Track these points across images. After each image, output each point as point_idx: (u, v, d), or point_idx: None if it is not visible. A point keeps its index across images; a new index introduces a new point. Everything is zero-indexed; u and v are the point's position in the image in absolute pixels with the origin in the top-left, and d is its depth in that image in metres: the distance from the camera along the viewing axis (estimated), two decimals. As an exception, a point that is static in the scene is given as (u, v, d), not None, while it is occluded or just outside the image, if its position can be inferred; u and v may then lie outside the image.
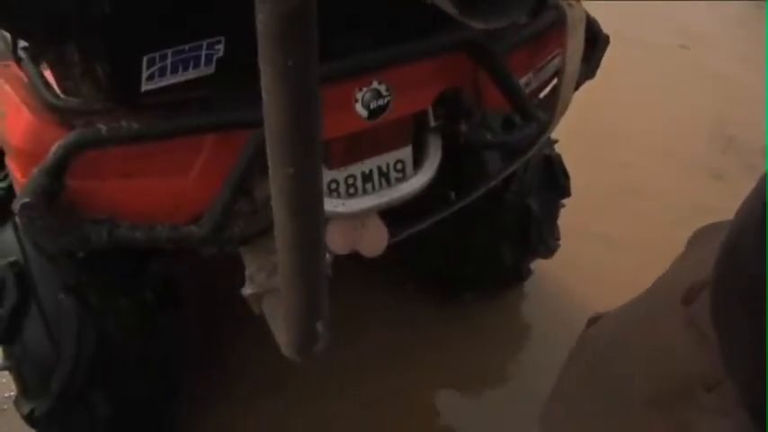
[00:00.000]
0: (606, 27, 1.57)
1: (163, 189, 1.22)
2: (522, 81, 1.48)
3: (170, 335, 1.57)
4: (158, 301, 1.52)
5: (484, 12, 0.64)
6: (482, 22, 0.67)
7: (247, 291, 1.29)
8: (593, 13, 1.53)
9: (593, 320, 0.69)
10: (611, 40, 1.58)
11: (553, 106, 1.46)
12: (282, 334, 0.84)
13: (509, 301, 2.22)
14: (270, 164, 0.71)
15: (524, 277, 2.13)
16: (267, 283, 1.26)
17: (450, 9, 0.63)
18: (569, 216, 2.07)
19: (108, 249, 1.22)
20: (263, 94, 0.67)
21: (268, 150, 0.70)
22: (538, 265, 2.14)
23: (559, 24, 1.42)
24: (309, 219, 0.72)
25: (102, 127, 1.11)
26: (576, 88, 1.52)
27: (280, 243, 0.75)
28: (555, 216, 2.03)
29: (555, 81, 1.52)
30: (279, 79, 0.65)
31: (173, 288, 1.57)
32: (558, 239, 2.06)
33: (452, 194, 1.63)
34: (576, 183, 1.97)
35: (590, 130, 2.87)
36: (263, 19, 0.62)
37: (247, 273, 1.29)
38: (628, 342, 0.64)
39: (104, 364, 1.45)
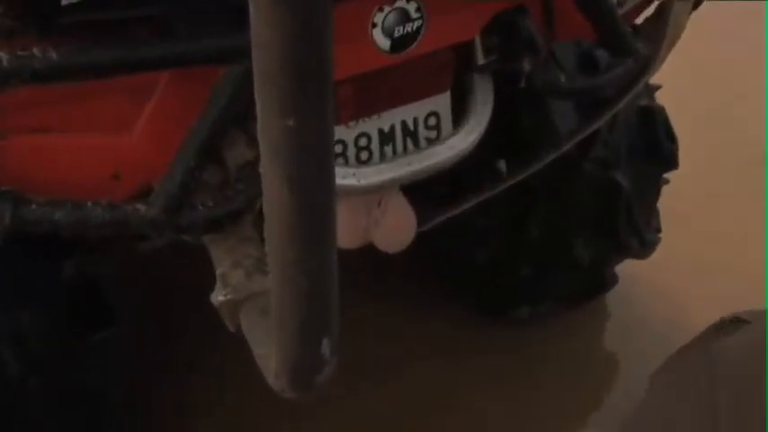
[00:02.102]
0: None
1: (94, 150, 1.23)
2: (613, -1, 1.49)
3: (99, 364, 1.58)
4: (81, 315, 1.54)
5: None
6: None
7: (219, 297, 1.29)
8: None
9: (729, 324, 0.71)
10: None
11: (658, 35, 1.46)
12: (270, 358, 0.85)
13: (581, 322, 2.22)
14: (259, 113, 0.71)
15: (608, 286, 2.14)
16: (246, 285, 1.27)
17: None
18: (673, 200, 2.08)
19: (10, 238, 1.23)
20: (252, 14, 0.68)
21: (257, 93, 0.70)
22: (627, 267, 2.14)
23: None
24: (316, 192, 0.73)
25: (3, 56, 1.12)
26: (696, 6, 1.52)
27: (270, 228, 0.76)
28: (654, 197, 2.03)
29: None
30: (275, -9, 0.65)
31: (101, 296, 1.58)
32: (659, 231, 2.07)
33: (503, 163, 1.63)
34: (685, 150, 1.98)
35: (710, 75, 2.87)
36: None
37: (218, 272, 1.29)
38: None
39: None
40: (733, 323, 0.86)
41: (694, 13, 1.54)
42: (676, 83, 2.12)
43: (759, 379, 0.77)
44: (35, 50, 1.12)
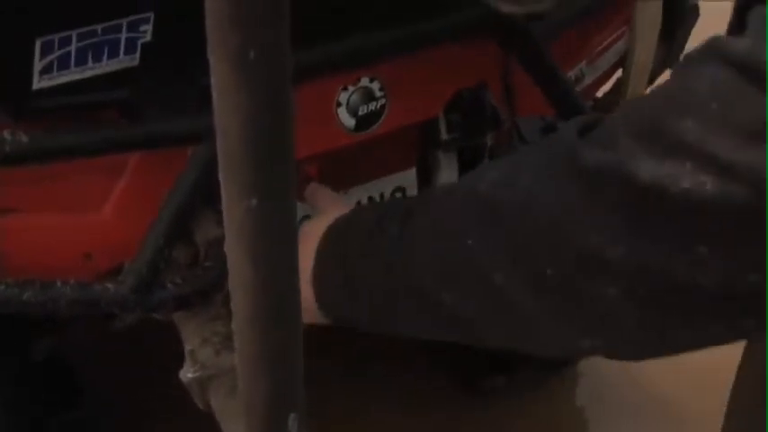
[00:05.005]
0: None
1: (65, 230, 1.24)
2: (572, 74, 1.52)
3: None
4: (51, 394, 1.53)
5: None
6: (512, 3, 0.71)
7: (188, 375, 1.29)
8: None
9: None
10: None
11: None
12: (239, 435, 0.85)
13: (558, 387, 2.23)
14: (223, 193, 0.72)
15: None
16: (215, 362, 1.27)
17: None
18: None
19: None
20: (214, 98, 0.69)
21: (221, 174, 0.72)
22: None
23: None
24: (279, 269, 0.74)
25: None
26: (651, 82, 1.56)
27: (237, 305, 0.77)
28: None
29: (619, 73, 1.55)
30: (236, 78, 0.67)
31: (71, 375, 1.58)
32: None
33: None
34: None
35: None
36: (214, -7, 0.65)
37: (187, 349, 1.30)
38: None
39: None
40: None
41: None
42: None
43: None
44: (5, 134, 1.14)
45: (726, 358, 1.02)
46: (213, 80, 0.68)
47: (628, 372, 2.25)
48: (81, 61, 1.13)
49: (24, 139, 1.14)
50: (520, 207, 0.76)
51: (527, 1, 0.71)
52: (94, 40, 1.12)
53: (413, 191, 1.45)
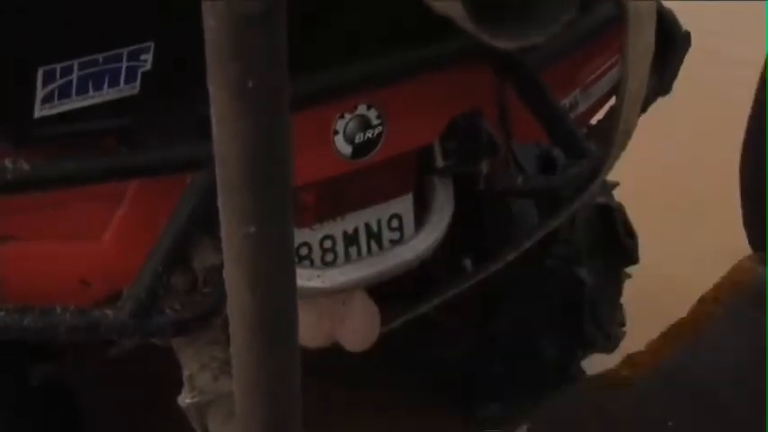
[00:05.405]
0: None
1: (64, 257, 1.24)
2: (566, 102, 1.53)
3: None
4: (50, 420, 1.53)
5: (510, 24, 0.68)
6: (506, 39, 0.71)
7: (186, 400, 1.29)
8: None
9: None
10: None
11: (610, 136, 1.50)
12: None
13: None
14: (222, 221, 0.73)
15: (574, 380, 2.14)
16: (213, 388, 1.28)
17: (464, 21, 0.67)
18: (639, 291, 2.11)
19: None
20: (214, 126, 0.70)
21: (220, 201, 0.73)
22: (595, 362, 2.15)
23: (618, 22, 1.47)
24: (278, 296, 0.75)
25: None
26: (644, 109, 1.57)
27: (234, 331, 0.78)
28: (617, 292, 2.05)
29: (613, 100, 1.56)
30: (235, 106, 0.68)
31: (70, 400, 1.58)
32: (623, 325, 2.08)
33: (468, 262, 1.66)
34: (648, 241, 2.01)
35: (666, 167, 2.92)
36: (213, 25, 0.66)
37: (186, 374, 1.30)
38: None
39: None
40: None
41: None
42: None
43: None
44: (7, 162, 1.14)
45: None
46: (213, 109, 0.69)
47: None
48: (82, 90, 1.14)
49: (26, 167, 1.15)
50: None
51: (519, 37, 0.72)
52: (96, 69, 1.14)
53: (409, 217, 1.46)
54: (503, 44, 0.71)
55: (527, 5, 0.70)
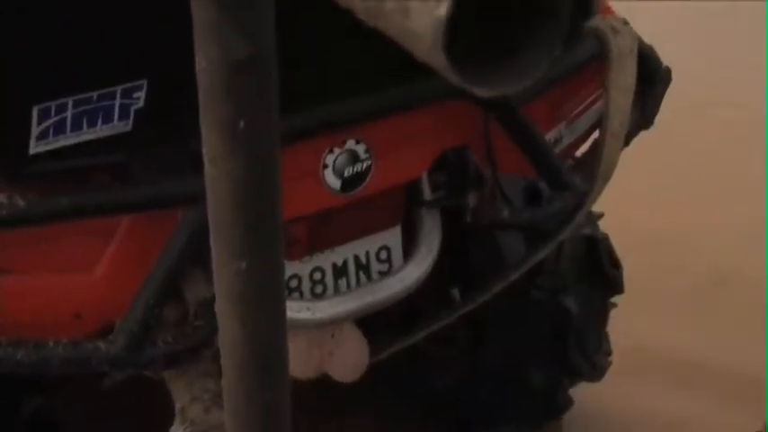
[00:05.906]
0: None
1: (58, 290, 1.25)
2: (551, 136, 1.55)
3: None
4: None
5: (492, 71, 0.69)
6: (488, 88, 0.72)
7: (178, 431, 1.30)
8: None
9: None
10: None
11: (594, 169, 1.52)
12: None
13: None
14: (213, 255, 0.74)
15: (562, 409, 2.15)
16: (205, 419, 1.28)
17: (447, 71, 0.68)
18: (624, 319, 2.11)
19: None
20: (205, 164, 0.72)
21: (212, 237, 0.74)
22: (582, 391, 2.16)
23: (601, 58, 1.49)
24: (268, 329, 0.76)
25: None
26: (627, 143, 1.58)
27: (226, 364, 0.79)
28: (602, 321, 2.06)
29: (596, 134, 1.58)
30: (227, 146, 0.69)
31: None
32: (609, 354, 2.09)
33: (456, 293, 1.67)
34: (633, 275, 2.02)
35: (650, 196, 2.94)
36: (206, 67, 0.67)
37: (177, 406, 1.31)
38: None
39: None
40: None
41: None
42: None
43: None
44: (2, 198, 1.16)
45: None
46: (204, 148, 0.71)
47: (614, 423, 2.25)
48: (76, 127, 1.15)
49: (21, 203, 1.16)
50: None
51: (500, 86, 0.73)
52: (90, 106, 1.15)
53: (397, 249, 1.47)
54: (485, 93, 0.72)
55: (509, 52, 0.72)
